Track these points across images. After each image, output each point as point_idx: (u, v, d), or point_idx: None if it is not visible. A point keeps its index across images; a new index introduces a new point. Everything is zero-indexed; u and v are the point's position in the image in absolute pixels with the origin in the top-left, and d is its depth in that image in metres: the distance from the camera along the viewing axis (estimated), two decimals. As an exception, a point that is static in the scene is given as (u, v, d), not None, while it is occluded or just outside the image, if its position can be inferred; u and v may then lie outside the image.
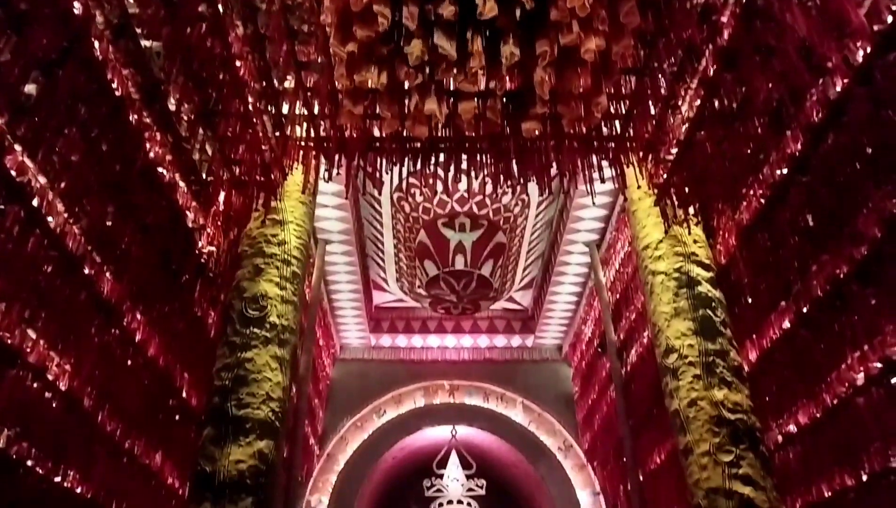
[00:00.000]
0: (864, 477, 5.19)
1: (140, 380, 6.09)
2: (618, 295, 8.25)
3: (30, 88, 4.22)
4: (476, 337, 11.36)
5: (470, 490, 9.22)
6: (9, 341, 4.53)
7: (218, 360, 5.29)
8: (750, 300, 5.80)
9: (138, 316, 5.88)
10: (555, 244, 9.21)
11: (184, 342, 6.47)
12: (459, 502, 9.07)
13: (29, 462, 5.05)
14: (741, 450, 4.79)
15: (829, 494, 5.65)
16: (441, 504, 9.08)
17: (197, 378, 6.55)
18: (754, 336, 6.09)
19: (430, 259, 9.02)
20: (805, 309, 5.43)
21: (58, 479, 5.44)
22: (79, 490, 5.66)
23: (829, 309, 5.25)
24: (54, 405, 5.22)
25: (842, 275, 5.02)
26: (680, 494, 6.62)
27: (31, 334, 4.74)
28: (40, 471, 5.25)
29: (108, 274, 5.27)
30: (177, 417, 6.72)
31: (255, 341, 5.28)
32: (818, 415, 5.65)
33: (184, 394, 6.75)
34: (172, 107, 5.27)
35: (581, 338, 10.20)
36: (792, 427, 6.01)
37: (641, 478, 7.71)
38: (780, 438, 6.16)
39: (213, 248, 6.17)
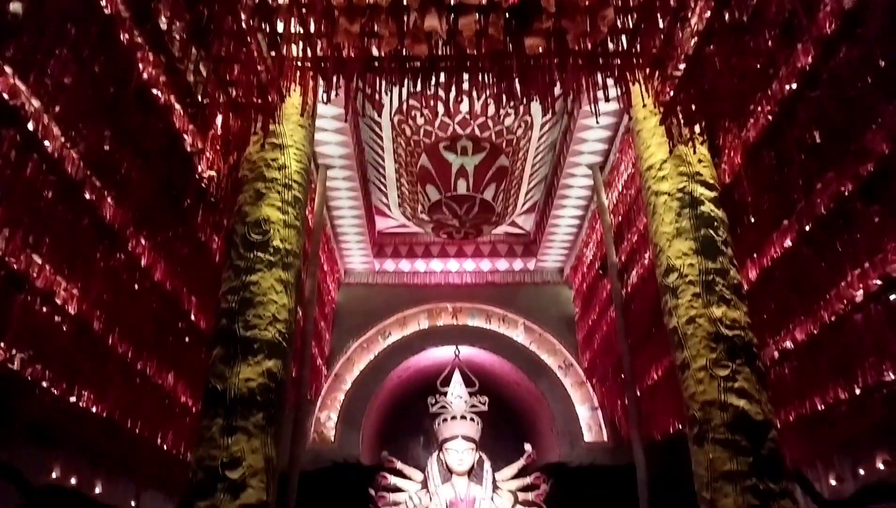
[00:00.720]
0: (857, 391, 5.33)
1: (148, 304, 6.19)
2: (620, 218, 8.23)
3: (15, 7, 4.07)
4: (478, 261, 11.43)
5: (473, 406, 9.47)
6: (14, 265, 4.57)
7: (224, 284, 5.34)
8: (753, 219, 5.78)
9: (143, 242, 5.90)
10: (558, 167, 9.11)
11: (189, 267, 6.53)
12: (463, 417, 9.34)
13: (44, 384, 5.22)
14: (737, 365, 4.88)
15: (822, 407, 5.83)
16: (445, 420, 9.38)
17: (204, 302, 6.66)
18: (755, 255, 6.11)
19: (431, 183, 8.95)
20: (808, 228, 5.41)
21: (73, 399, 5.64)
22: (94, 410, 5.88)
23: (831, 227, 5.24)
24: (65, 328, 5.34)
25: (846, 193, 4.98)
26: (675, 408, 6.86)
27: (37, 259, 4.78)
28: (55, 392, 5.43)
29: (109, 200, 5.25)
30: (186, 339, 6.88)
31: (259, 265, 5.30)
32: (815, 332, 5.75)
33: (192, 318, 6.88)
34: (164, 26, 5.10)
35: (582, 261, 10.26)
36: (788, 344, 6.13)
37: (639, 394, 7.94)
38: (776, 354, 6.30)
39: (213, 173, 6.12)
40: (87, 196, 5.02)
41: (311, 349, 8.58)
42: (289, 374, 5.51)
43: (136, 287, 6.00)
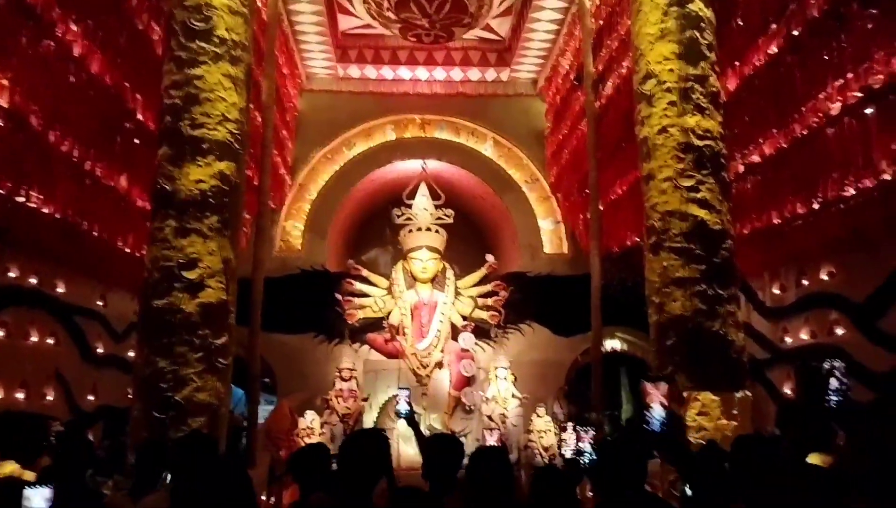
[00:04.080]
0: (816, 206, 5.35)
1: (88, 100, 5.73)
2: (601, 22, 7.66)
3: None
4: (449, 70, 10.79)
5: (438, 218, 9.51)
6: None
7: (165, 77, 4.89)
8: (741, 22, 5.36)
9: (73, 27, 5.29)
10: (538, -37, 8.25)
11: (129, 59, 5.97)
12: (428, 229, 9.41)
13: (-15, 181, 4.92)
14: (702, 175, 4.82)
15: (778, 221, 5.90)
16: (410, 231, 9.44)
17: (150, 100, 6.18)
18: (737, 63, 5.79)
19: (399, -25, 8.06)
20: (796, 32, 5.05)
21: (21, 199, 5.39)
22: (46, 211, 5.66)
23: (821, 32, 4.89)
24: (1, 123, 4.96)
25: (844, -7, 4.56)
26: (635, 222, 6.93)
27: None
28: (1, 191, 5.16)
29: (23, -27, 4.56)
30: (136, 141, 6.51)
31: (203, 56, 4.82)
32: (784, 146, 5.64)
33: (139, 117, 6.45)
34: None
35: (558, 71, 9.76)
36: (756, 158, 6.05)
37: (602, 208, 7.99)
38: (741, 168, 6.24)
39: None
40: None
41: (273, 157, 8.26)
42: (245, 179, 5.31)
43: (73, 80, 5.52)
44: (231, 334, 4.86)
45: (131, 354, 7.07)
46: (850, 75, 4.77)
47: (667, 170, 4.94)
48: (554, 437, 8.15)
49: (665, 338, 4.84)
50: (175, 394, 4.41)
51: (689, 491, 3.08)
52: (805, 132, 5.35)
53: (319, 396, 8.69)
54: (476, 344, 9.23)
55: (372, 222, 11.32)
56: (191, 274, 4.59)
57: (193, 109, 4.77)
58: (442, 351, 9.06)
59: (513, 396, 8.71)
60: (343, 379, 8.64)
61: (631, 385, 9.93)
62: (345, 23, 10.09)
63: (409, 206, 9.58)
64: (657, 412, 5.53)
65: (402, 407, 3.62)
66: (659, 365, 4.90)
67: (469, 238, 11.16)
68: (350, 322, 9.25)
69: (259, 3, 6.82)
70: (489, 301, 9.49)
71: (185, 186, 4.69)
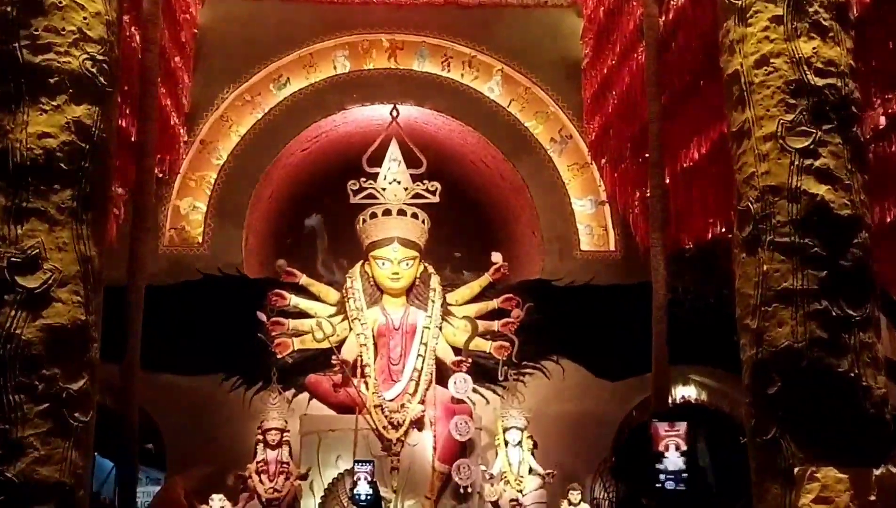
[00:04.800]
0: None
1: None
2: None
3: None
4: (434, -35, 10.83)
5: (417, 196, 9.48)
6: None
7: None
8: None
9: None
10: None
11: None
12: (401, 213, 9.36)
13: None
14: (824, 133, 4.82)
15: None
16: (374, 215, 9.38)
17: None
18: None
19: None
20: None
21: None
22: None
23: None
24: None
25: None
26: (721, 199, 6.94)
27: None
28: None
29: None
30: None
31: (49, -61, 4.78)
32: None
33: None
34: None
35: (602, -30, 9.83)
36: (906, 104, 6.10)
37: (668, 180, 8.00)
38: (882, 120, 6.28)
39: None
40: None
41: (160, 98, 8.24)
42: (115, 132, 5.28)
43: None
44: (93, 375, 4.81)
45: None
46: None
47: (769, 122, 4.95)
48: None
49: (765, 383, 4.84)
50: (5, 469, 4.36)
51: None
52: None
53: (232, 472, 8.66)
54: (475, 390, 9.26)
55: (314, 202, 11.29)
56: (29, 281, 4.55)
57: (34, 23, 4.73)
58: (423, 402, 9.08)
59: (531, 472, 8.73)
60: (269, 446, 8.61)
61: (713, 454, 10.00)
62: None
63: (373, 178, 9.55)
64: (672, 460, 5.91)
65: (362, 490, 3.61)
66: (756, 424, 4.91)
67: (464, 226, 11.15)
68: (280, 356, 9.23)
69: None
70: (496, 324, 9.51)
71: (20, 143, 4.63)
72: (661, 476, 5.24)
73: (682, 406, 9.33)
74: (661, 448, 6.21)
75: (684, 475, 5.67)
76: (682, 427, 5.93)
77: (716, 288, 6.43)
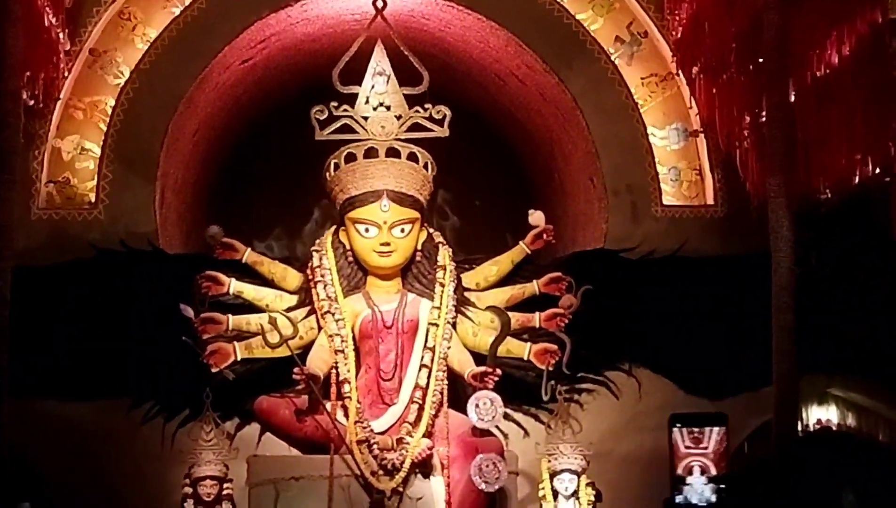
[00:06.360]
0: None
1: None
2: None
3: None
4: None
5: (415, 127, 9.39)
6: None
7: None
8: None
9: None
10: None
11: None
12: (393, 153, 9.28)
13: None
14: None
15: None
16: (352, 157, 9.24)
17: None
18: None
19: None
20: None
21: None
22: None
23: None
24: None
25: None
26: (873, 124, 6.89)
27: None
28: None
29: None
30: None
31: None
32: None
33: None
34: None
35: None
36: None
37: (794, 97, 7.94)
38: None
39: None
40: None
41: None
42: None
43: None
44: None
45: None
46: None
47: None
48: None
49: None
50: None
51: None
52: None
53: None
54: (507, 417, 9.27)
55: (263, 141, 11.30)
56: None
57: None
58: (430, 434, 9.09)
59: (592, 537, 8.77)
60: (201, 503, 8.63)
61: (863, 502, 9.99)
62: None
63: (349, 101, 9.51)
64: (697, 488, 6.16)
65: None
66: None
67: (487, 170, 11.14)
68: (216, 369, 9.20)
69: None
70: (536, 318, 9.53)
71: None
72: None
73: (818, 434, 9.31)
74: (680, 470, 6.33)
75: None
76: (712, 437, 6.12)
77: (869, 259, 6.34)
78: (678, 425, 7.02)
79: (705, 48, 9.93)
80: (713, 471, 6.36)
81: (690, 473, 6.18)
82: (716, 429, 6.57)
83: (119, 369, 9.44)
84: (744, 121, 9.43)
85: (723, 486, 6.66)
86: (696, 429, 7.14)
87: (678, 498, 6.45)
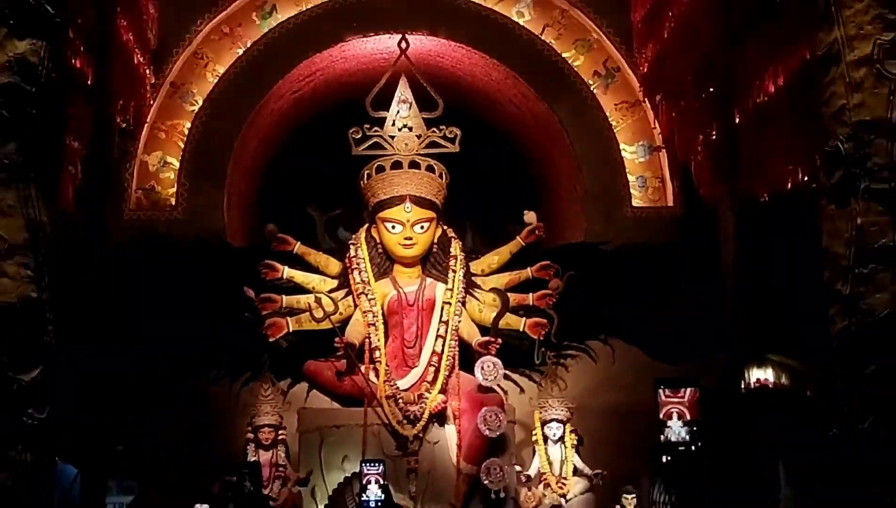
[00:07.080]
0: None
1: None
2: None
3: None
4: None
5: (432, 144, 9.43)
6: None
7: None
8: None
9: None
10: None
11: None
12: (414, 166, 9.28)
13: None
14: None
15: None
16: (381, 169, 9.33)
17: None
18: None
19: None
20: None
21: None
22: None
23: None
24: None
25: None
26: (802, 139, 6.85)
27: None
28: None
29: None
30: None
31: None
32: None
33: None
34: None
35: None
36: None
37: (738, 118, 7.92)
38: None
39: None
40: None
41: (120, 31, 8.21)
42: (68, 72, 5.28)
43: None
44: (49, 363, 4.83)
45: None
46: None
47: (862, 44, 4.89)
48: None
49: (860, 362, 4.81)
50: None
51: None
52: None
53: (219, 478, 8.70)
54: (506, 377, 9.30)
55: (309, 155, 11.28)
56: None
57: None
58: (444, 391, 9.13)
59: (576, 473, 8.80)
60: (261, 446, 8.72)
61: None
62: None
63: (379, 124, 9.52)
64: (675, 431, 6.38)
65: (371, 495, 3.62)
66: (849, 411, 4.88)
67: (490, 180, 11.09)
68: (272, 339, 9.26)
69: None
70: (530, 297, 9.53)
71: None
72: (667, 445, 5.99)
73: (756, 391, 9.28)
74: (662, 415, 6.63)
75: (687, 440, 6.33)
76: (687, 393, 6.49)
77: (798, 248, 6.36)
78: (662, 387, 7.34)
79: (666, 80, 9.90)
80: (688, 417, 6.67)
81: (671, 418, 6.55)
82: (689, 388, 6.89)
83: (195, 339, 9.45)
84: (698, 139, 9.39)
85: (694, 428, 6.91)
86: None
87: (661, 438, 6.84)
